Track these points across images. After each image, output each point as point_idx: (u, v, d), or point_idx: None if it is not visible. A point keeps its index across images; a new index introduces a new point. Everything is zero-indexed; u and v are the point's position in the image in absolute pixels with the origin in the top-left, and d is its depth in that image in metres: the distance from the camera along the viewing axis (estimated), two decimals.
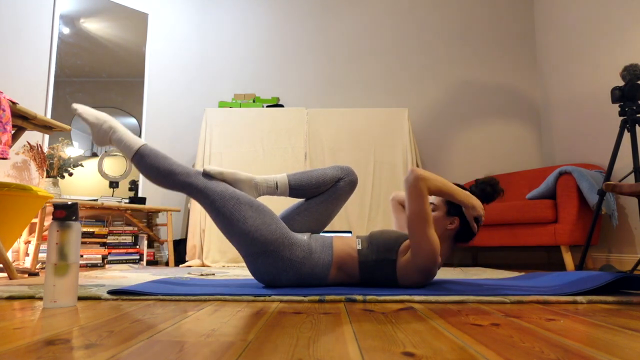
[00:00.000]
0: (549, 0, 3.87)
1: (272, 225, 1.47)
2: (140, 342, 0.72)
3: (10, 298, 1.29)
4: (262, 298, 1.25)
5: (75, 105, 1.58)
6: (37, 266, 2.68)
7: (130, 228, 3.29)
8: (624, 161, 2.92)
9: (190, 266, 3.19)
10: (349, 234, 3.14)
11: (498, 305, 1.16)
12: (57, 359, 0.61)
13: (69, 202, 1.16)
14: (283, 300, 1.23)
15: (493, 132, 4.01)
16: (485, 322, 0.91)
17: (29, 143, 2.97)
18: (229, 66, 4.14)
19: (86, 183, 3.36)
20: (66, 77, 3.33)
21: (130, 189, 3.56)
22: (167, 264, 3.59)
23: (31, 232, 2.93)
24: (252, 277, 2.00)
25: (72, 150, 3.33)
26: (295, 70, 4.14)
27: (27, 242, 2.87)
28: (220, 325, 0.87)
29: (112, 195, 3.40)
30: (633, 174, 2.99)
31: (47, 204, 2.81)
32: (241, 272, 2.54)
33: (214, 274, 2.26)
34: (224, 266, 3.17)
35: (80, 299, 1.26)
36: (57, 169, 3.02)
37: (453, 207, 1.50)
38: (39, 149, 2.98)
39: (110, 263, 3.13)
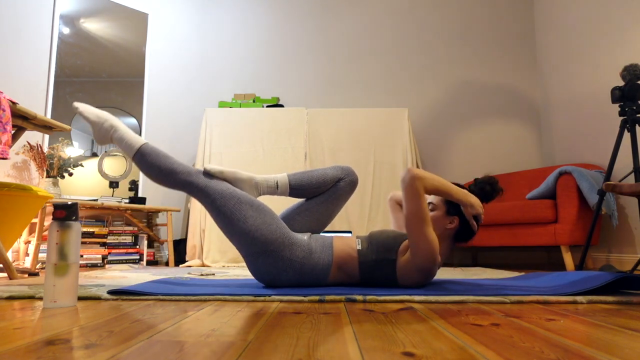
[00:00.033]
0: (549, 0, 3.87)
1: (273, 225, 1.47)
2: (140, 342, 0.72)
3: (10, 298, 1.29)
4: (262, 298, 1.25)
5: (77, 104, 1.58)
6: (37, 266, 2.68)
7: (130, 228, 3.29)
8: (624, 161, 2.92)
9: (190, 266, 3.19)
10: (349, 234, 3.14)
11: (498, 305, 1.16)
12: (57, 359, 0.61)
13: (69, 202, 1.16)
14: (283, 300, 1.23)
15: (493, 132, 4.01)
16: (485, 322, 0.91)
17: (29, 143, 2.97)
18: (229, 66, 4.14)
19: (86, 183, 3.36)
20: (66, 77, 3.33)
21: (130, 189, 3.56)
22: (167, 264, 3.59)
23: (31, 232, 2.93)
24: (252, 277, 2.00)
25: (72, 150, 3.33)
26: (295, 70, 4.14)
27: (27, 242, 2.87)
28: (220, 325, 0.87)
29: (112, 195, 3.40)
30: (633, 174, 2.99)
31: (47, 204, 2.81)
32: (241, 272, 2.54)
33: (214, 274, 2.26)
34: (224, 266, 3.17)
35: (80, 299, 1.26)
36: (57, 169, 3.02)
37: (452, 207, 1.50)
38: (39, 149, 2.98)
39: (110, 263, 3.13)
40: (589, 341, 0.74)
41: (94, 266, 3.04)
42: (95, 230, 3.15)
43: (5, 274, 2.24)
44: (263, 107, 3.78)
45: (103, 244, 3.15)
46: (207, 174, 1.53)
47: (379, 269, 1.46)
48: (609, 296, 1.23)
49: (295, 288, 1.45)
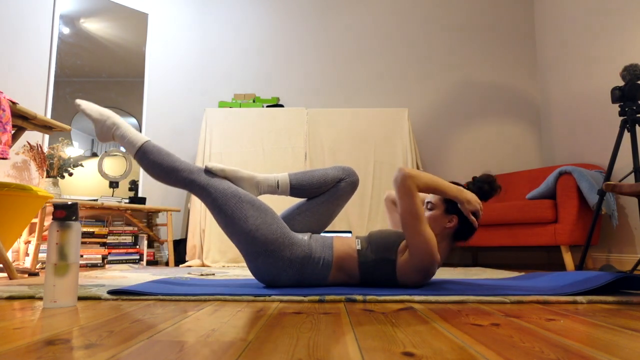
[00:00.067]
0: (549, 0, 3.87)
1: (273, 224, 1.47)
2: (140, 342, 0.72)
3: (10, 298, 1.29)
4: (262, 298, 1.25)
5: (79, 101, 1.58)
6: (37, 266, 2.68)
7: (130, 228, 3.29)
8: (624, 161, 2.92)
9: (190, 266, 3.19)
10: (349, 234, 3.14)
11: (498, 305, 1.16)
12: (57, 359, 0.61)
13: (69, 202, 1.16)
14: (283, 300, 1.23)
15: (493, 132, 4.01)
16: (485, 322, 0.91)
17: (29, 143, 2.97)
18: (229, 66, 4.14)
19: (86, 183, 3.36)
20: (66, 77, 3.33)
21: (130, 189, 3.56)
22: (167, 264, 3.59)
23: (31, 232, 2.93)
24: (252, 277, 2.00)
25: (72, 150, 3.33)
26: (295, 70, 4.14)
27: (27, 242, 2.87)
28: (220, 325, 0.87)
29: (112, 195, 3.40)
30: (633, 174, 2.99)
31: (47, 204, 2.81)
32: (241, 272, 2.54)
33: (214, 274, 2.26)
34: (224, 266, 3.17)
35: (80, 299, 1.26)
36: (57, 169, 3.02)
37: (451, 205, 1.50)
38: (39, 149, 2.99)
39: (110, 263, 3.13)
40: (589, 341, 0.74)
41: (94, 266, 3.04)
42: (95, 230, 3.15)
43: (5, 274, 2.24)
44: (263, 107, 3.78)
45: (103, 244, 3.15)
46: (209, 172, 1.53)
47: (378, 269, 1.47)
48: (609, 296, 1.23)
49: (295, 288, 1.45)
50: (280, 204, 3.23)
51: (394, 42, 4.16)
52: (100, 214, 3.35)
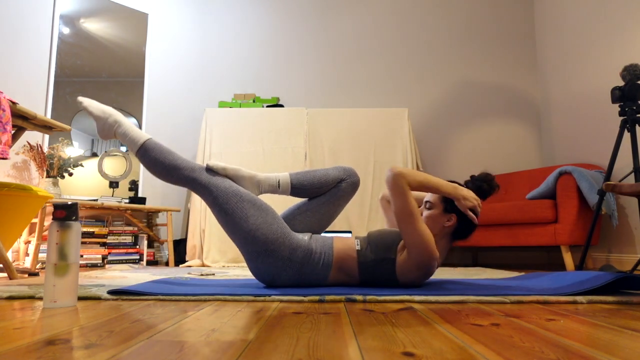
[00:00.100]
0: (549, 0, 3.87)
1: (274, 224, 1.47)
2: (140, 342, 0.72)
3: (10, 298, 1.29)
4: (262, 298, 1.25)
5: (81, 99, 1.58)
6: (37, 266, 2.68)
7: (130, 228, 3.29)
8: (624, 161, 2.92)
9: (190, 266, 3.19)
10: (349, 234, 3.14)
11: (498, 305, 1.16)
12: (57, 359, 0.61)
13: (69, 202, 1.16)
14: (283, 300, 1.23)
15: (493, 132, 4.01)
16: (485, 322, 0.91)
17: (29, 143, 2.97)
18: (229, 66, 4.14)
19: (86, 183, 3.36)
20: (66, 77, 3.33)
21: (130, 189, 3.56)
22: (167, 264, 3.59)
23: (31, 232, 2.93)
24: (252, 277, 2.00)
25: (72, 150, 3.33)
26: (295, 70, 4.14)
27: (27, 242, 2.87)
28: (220, 325, 0.87)
29: (112, 195, 3.40)
30: (633, 174, 2.99)
31: (47, 204, 2.81)
32: (241, 272, 2.54)
33: (214, 274, 2.26)
34: (224, 266, 3.17)
35: (80, 299, 1.26)
36: (57, 169, 3.02)
37: (450, 204, 1.50)
38: (39, 149, 2.99)
39: (110, 263, 3.13)
40: (589, 341, 0.74)
41: (94, 266, 3.04)
42: (95, 230, 3.15)
43: (5, 274, 2.24)
44: (263, 107, 3.78)
45: (103, 244, 3.15)
46: (210, 170, 1.53)
47: (378, 269, 1.47)
48: (609, 296, 1.23)
49: (295, 288, 1.45)
50: (281, 204, 3.23)
51: (394, 42, 4.16)
52: (100, 214, 3.35)
